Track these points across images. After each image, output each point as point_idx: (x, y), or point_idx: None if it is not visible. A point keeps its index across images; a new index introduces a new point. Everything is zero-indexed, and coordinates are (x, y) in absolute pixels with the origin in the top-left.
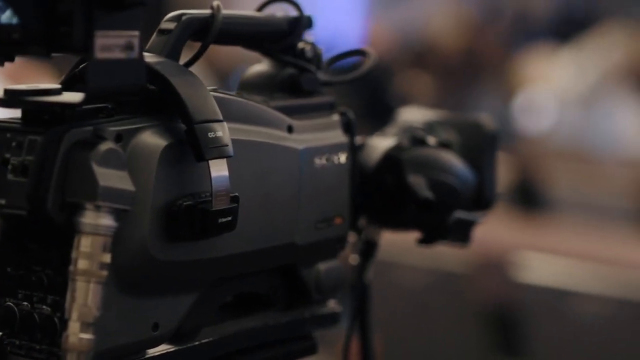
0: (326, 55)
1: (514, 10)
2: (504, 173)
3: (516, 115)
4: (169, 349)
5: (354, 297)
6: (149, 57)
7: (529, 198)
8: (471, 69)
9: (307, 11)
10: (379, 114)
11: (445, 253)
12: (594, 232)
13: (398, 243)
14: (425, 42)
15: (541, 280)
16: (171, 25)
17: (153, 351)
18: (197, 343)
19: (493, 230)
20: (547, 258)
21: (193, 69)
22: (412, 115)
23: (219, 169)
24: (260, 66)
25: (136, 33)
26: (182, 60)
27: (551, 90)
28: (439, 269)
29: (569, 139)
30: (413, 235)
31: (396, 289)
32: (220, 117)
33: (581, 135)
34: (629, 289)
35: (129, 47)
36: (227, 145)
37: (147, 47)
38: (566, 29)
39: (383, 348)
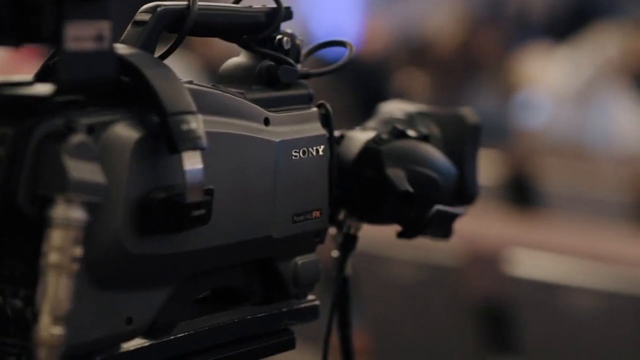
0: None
1: (512, 8)
2: (498, 169)
3: (512, 112)
4: (144, 343)
5: (333, 290)
6: (122, 49)
7: (523, 194)
8: (468, 67)
9: (304, 7)
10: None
11: (437, 248)
12: (587, 227)
13: (389, 237)
14: (423, 39)
15: (533, 274)
16: (146, 17)
17: (128, 345)
18: (172, 337)
19: (487, 225)
20: (539, 253)
21: (189, 67)
22: (394, 108)
23: (192, 162)
24: (238, 58)
25: (107, 24)
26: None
27: (547, 87)
28: (431, 263)
29: (563, 136)
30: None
31: (387, 283)
32: (194, 109)
33: (576, 131)
34: (621, 283)
35: (99, 38)
36: (201, 138)
37: (121, 38)
38: (562, 28)
39: (372, 343)
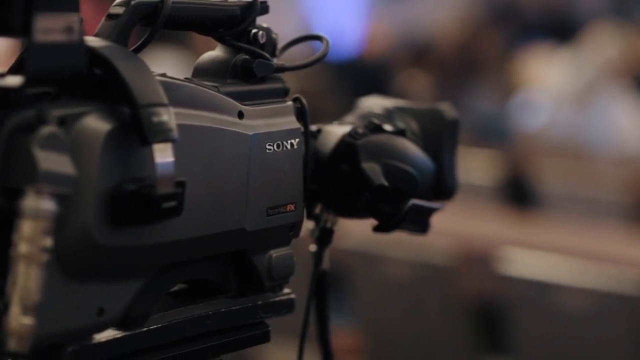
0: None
1: (512, 10)
2: (496, 169)
3: (512, 113)
4: (117, 334)
5: (310, 285)
6: (95, 42)
7: (521, 194)
8: (469, 68)
9: (310, 10)
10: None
11: (431, 246)
12: (583, 227)
13: (383, 236)
14: (425, 41)
15: (526, 274)
16: (120, 10)
17: (100, 337)
18: (145, 329)
19: (481, 225)
20: (533, 253)
21: (189, 64)
22: (372, 103)
23: (163, 154)
24: (214, 52)
25: (76, 15)
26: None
27: (547, 88)
28: (425, 262)
29: (563, 137)
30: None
31: (380, 282)
32: (165, 101)
33: (575, 132)
34: (614, 282)
35: (69, 30)
36: (172, 130)
37: (95, 32)
38: (562, 29)
39: (365, 341)
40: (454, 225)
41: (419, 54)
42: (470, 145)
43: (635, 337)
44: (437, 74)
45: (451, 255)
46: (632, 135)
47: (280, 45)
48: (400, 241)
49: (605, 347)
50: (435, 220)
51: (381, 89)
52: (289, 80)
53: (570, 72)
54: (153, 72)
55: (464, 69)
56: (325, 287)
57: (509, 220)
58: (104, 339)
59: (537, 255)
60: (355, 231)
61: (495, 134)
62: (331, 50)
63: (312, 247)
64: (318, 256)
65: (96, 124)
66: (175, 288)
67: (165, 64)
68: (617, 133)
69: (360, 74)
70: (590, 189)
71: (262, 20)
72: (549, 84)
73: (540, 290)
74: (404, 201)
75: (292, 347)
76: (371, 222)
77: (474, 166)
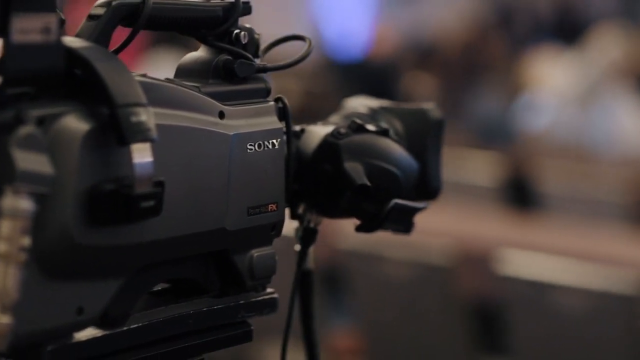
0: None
1: (520, 12)
2: (498, 170)
3: (516, 114)
4: (97, 333)
5: (293, 284)
6: (75, 42)
7: (522, 195)
8: (474, 70)
9: (318, 11)
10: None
11: (430, 247)
12: (582, 228)
13: (382, 236)
14: (432, 42)
15: (525, 274)
16: (101, 11)
17: (80, 335)
18: (126, 328)
19: (480, 225)
20: (532, 253)
21: None
22: (357, 104)
23: (142, 153)
24: (197, 53)
25: (53, 16)
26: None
27: (551, 89)
28: (424, 262)
29: (566, 138)
30: None
31: (379, 282)
32: (144, 101)
33: (577, 133)
34: (612, 283)
35: (46, 30)
36: (151, 130)
37: (76, 32)
38: (567, 31)
39: (363, 342)
40: (453, 225)
41: (425, 55)
42: (473, 147)
43: (633, 338)
44: (442, 75)
45: (450, 256)
46: (635, 136)
47: (263, 45)
48: (399, 241)
49: (603, 347)
50: (435, 220)
51: (387, 90)
52: (293, 81)
53: (575, 73)
54: (133, 72)
55: (468, 70)
56: (310, 287)
57: (510, 220)
58: (84, 338)
59: (536, 256)
60: (354, 231)
61: (499, 135)
62: (338, 51)
63: (296, 247)
64: (301, 256)
65: (75, 124)
66: (159, 287)
67: (170, 65)
68: (619, 134)
69: (367, 75)
70: (592, 190)
71: (269, 21)
72: (554, 84)
73: (538, 290)
74: (386, 201)
75: (295, 348)
76: (355, 221)
77: (476, 167)
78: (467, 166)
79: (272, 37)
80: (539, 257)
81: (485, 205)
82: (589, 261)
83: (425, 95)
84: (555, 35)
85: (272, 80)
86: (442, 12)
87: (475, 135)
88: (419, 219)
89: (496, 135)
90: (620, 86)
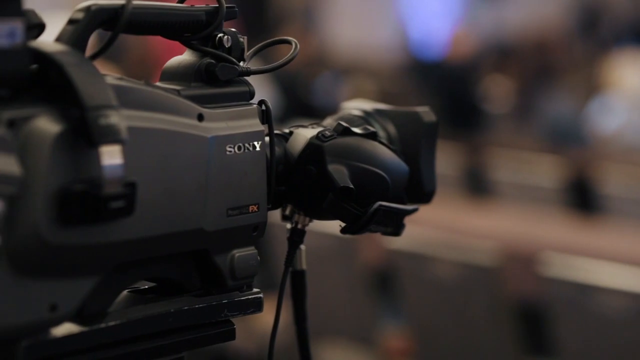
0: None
1: (605, 16)
2: (561, 172)
3: (589, 117)
4: (73, 330)
5: (281, 284)
6: (48, 46)
7: (585, 198)
8: (549, 72)
9: (405, 12)
10: (464, 114)
11: (478, 247)
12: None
13: (430, 237)
14: (509, 45)
15: (571, 277)
16: (80, 15)
17: (57, 332)
18: (103, 325)
19: (536, 227)
20: (580, 255)
21: None
22: (353, 106)
23: (111, 155)
24: (181, 56)
25: (19, 20)
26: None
27: (625, 92)
28: (471, 263)
29: (634, 141)
30: (443, 229)
31: (427, 283)
32: (114, 104)
33: None
34: None
35: (12, 34)
36: (120, 132)
37: (56, 36)
38: None
39: (414, 343)
40: (505, 226)
41: (504, 57)
42: (542, 150)
43: None
44: (518, 78)
45: (497, 257)
46: None
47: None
48: (446, 243)
49: None
50: (486, 221)
51: (464, 93)
52: (370, 81)
53: None
54: (109, 75)
55: (542, 73)
56: (303, 287)
57: (567, 222)
58: (60, 335)
59: (583, 258)
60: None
61: (569, 138)
62: (419, 51)
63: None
64: (289, 256)
65: (45, 125)
66: (145, 286)
67: None
68: None
69: (445, 77)
70: None
71: (357, 23)
72: (629, 87)
73: (582, 292)
74: (371, 203)
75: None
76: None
77: (542, 169)
78: (533, 169)
79: (358, 38)
80: (586, 259)
81: (546, 207)
82: (638, 265)
83: (501, 98)
84: (637, 39)
85: (348, 81)
86: (526, 13)
87: (545, 139)
88: (471, 220)
89: (566, 138)
90: None
